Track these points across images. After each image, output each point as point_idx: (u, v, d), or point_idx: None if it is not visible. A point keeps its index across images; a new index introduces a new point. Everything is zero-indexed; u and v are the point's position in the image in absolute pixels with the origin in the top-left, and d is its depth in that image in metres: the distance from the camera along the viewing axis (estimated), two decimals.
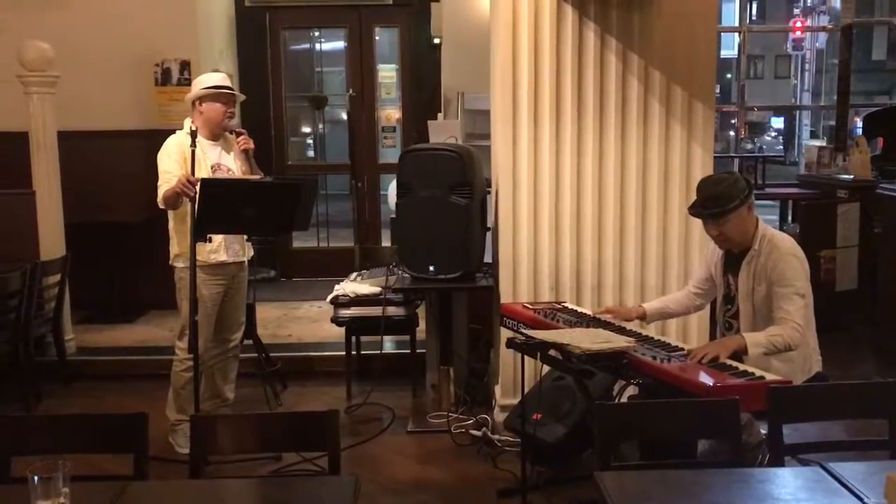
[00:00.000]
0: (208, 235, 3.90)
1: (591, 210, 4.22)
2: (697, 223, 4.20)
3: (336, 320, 4.94)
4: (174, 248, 4.12)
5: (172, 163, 3.98)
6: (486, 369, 4.95)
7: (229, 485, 2.44)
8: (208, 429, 2.40)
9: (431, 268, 4.29)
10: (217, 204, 3.75)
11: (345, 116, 7.70)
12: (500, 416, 4.27)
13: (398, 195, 4.41)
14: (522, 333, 3.38)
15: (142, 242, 6.05)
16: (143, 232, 5.99)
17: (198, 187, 3.73)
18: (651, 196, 4.23)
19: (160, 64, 6.47)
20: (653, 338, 3.32)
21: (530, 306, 3.78)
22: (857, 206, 6.27)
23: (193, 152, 3.83)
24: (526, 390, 3.61)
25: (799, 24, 23.53)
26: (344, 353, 5.00)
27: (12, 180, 5.63)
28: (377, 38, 7.94)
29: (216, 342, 4.26)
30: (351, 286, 4.94)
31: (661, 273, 4.27)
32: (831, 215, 6.16)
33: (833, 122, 8.91)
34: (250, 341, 4.82)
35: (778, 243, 3.24)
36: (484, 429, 4.27)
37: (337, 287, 4.99)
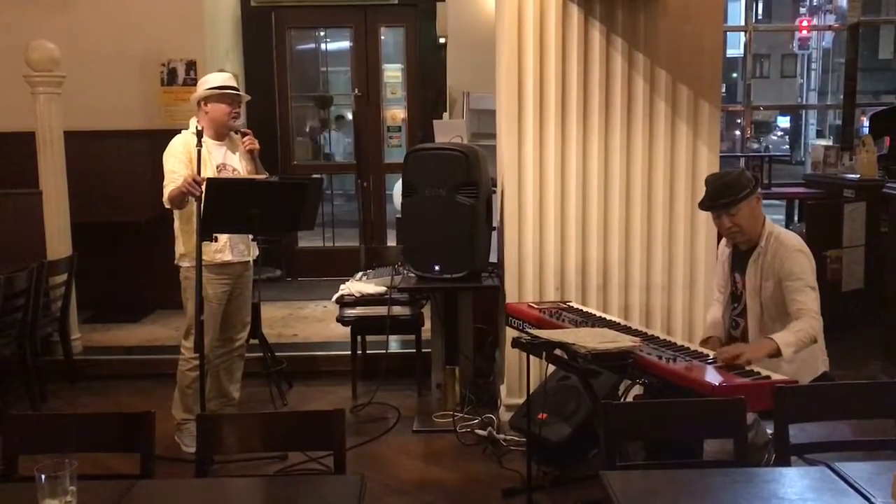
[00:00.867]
0: (214, 235, 3.91)
1: (597, 210, 4.21)
2: (703, 222, 4.21)
3: (341, 320, 4.95)
4: (179, 248, 4.13)
5: (178, 162, 3.99)
6: (492, 369, 4.95)
7: (235, 484, 2.45)
8: (214, 428, 2.40)
9: (437, 267, 4.29)
10: (222, 203, 3.76)
11: (350, 116, 7.71)
12: (505, 416, 4.27)
13: (404, 195, 4.41)
14: (528, 333, 3.38)
15: (148, 242, 6.07)
16: (149, 231, 6.02)
17: (203, 187, 3.74)
18: (657, 196, 4.22)
19: (166, 64, 6.49)
20: (658, 337, 3.31)
21: (536, 306, 3.78)
22: (863, 206, 6.25)
23: (199, 152, 3.84)
24: (531, 390, 3.61)
25: (805, 24, 23.47)
26: (349, 352, 5.01)
27: (19, 180, 5.65)
28: (383, 37, 7.94)
29: (222, 342, 4.27)
30: (356, 286, 4.95)
31: (667, 273, 4.26)
32: (837, 215, 6.14)
33: (839, 122, 8.88)
34: (256, 341, 4.83)
35: (785, 240, 3.24)
36: (489, 428, 4.27)
37: (342, 287, 4.99)
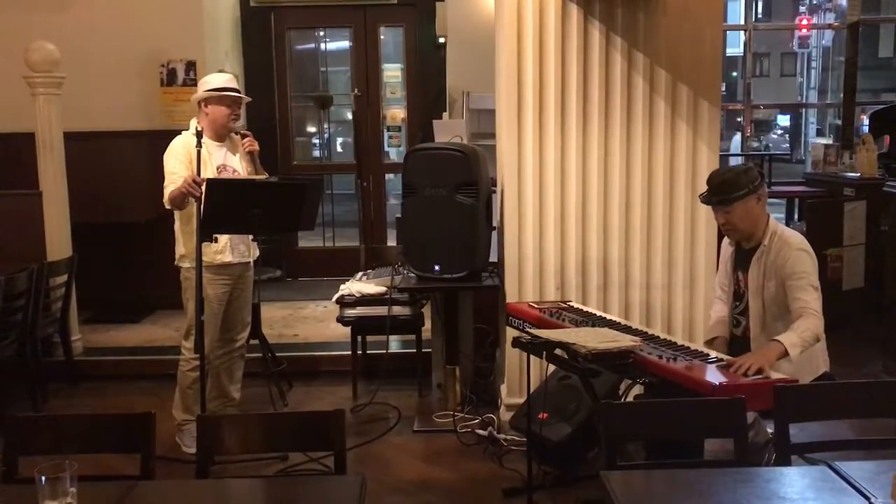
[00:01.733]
0: (214, 236, 3.92)
1: (597, 209, 4.21)
2: (703, 222, 4.21)
3: (342, 320, 4.95)
4: (180, 249, 4.13)
5: (178, 163, 3.99)
6: (492, 369, 4.95)
7: (235, 484, 2.45)
8: (214, 429, 2.40)
9: (437, 267, 4.29)
10: (222, 204, 3.76)
11: (350, 116, 7.71)
12: (505, 416, 4.27)
13: (403, 195, 4.41)
14: (528, 333, 3.38)
15: (148, 242, 6.08)
16: (149, 232, 6.02)
17: (203, 187, 3.74)
18: (657, 194, 4.22)
19: (166, 64, 6.49)
20: (659, 337, 3.31)
21: (536, 305, 3.78)
22: (863, 205, 6.25)
23: (199, 152, 3.84)
24: (532, 389, 3.61)
25: (805, 22, 23.46)
26: (350, 352, 5.01)
27: (19, 181, 5.66)
28: (382, 37, 7.94)
29: (222, 342, 4.27)
30: (357, 286, 4.95)
31: (667, 272, 4.26)
32: (838, 213, 6.14)
33: (839, 120, 8.88)
34: (256, 341, 4.83)
35: (788, 239, 3.24)
36: (490, 428, 4.27)
37: (343, 287, 4.99)
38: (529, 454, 3.50)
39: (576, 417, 3.68)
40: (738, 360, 2.90)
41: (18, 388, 4.81)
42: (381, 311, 4.79)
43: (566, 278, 4.25)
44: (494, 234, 4.55)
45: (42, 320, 4.99)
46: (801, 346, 3.05)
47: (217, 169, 4.08)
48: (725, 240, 3.51)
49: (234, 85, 4.15)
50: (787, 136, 26.31)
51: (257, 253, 4.34)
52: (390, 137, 7.97)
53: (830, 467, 2.11)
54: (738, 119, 9.12)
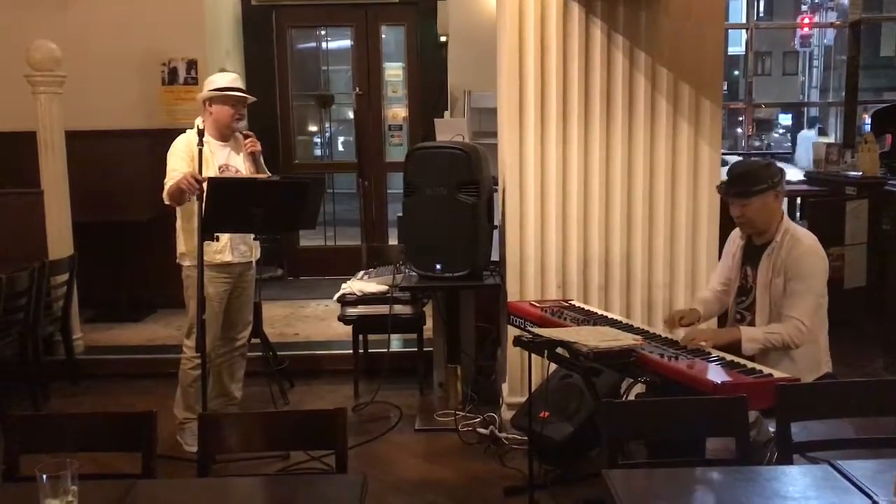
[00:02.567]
0: (216, 235, 3.91)
1: (599, 208, 4.21)
2: (705, 220, 4.21)
3: (343, 319, 4.95)
4: (180, 247, 4.13)
5: (180, 161, 3.99)
6: (494, 367, 4.95)
7: (237, 483, 2.44)
8: (216, 427, 2.40)
9: (438, 266, 4.29)
10: (224, 203, 3.76)
11: (351, 115, 7.71)
12: (507, 415, 4.26)
13: (405, 194, 4.41)
14: (530, 331, 3.38)
15: (149, 241, 6.07)
16: (150, 231, 6.01)
17: (205, 186, 3.74)
18: (658, 193, 4.21)
19: (167, 63, 6.49)
20: (660, 335, 3.31)
21: (537, 304, 3.78)
22: (865, 203, 6.24)
23: (201, 151, 3.84)
24: (533, 388, 3.60)
25: (807, 21, 23.44)
26: (351, 351, 5.01)
27: (20, 180, 5.66)
28: (384, 36, 7.94)
29: (223, 341, 4.27)
30: (358, 285, 4.95)
31: (669, 270, 4.25)
32: (840, 212, 6.13)
33: (834, 119, 8.87)
34: (258, 340, 4.83)
35: (801, 238, 3.23)
36: (491, 427, 4.27)
37: (344, 285, 4.99)
38: (531, 453, 3.49)
39: (577, 416, 3.68)
40: (689, 334, 3.13)
41: (19, 386, 4.82)
42: (382, 309, 4.78)
43: (567, 277, 4.25)
44: (496, 233, 4.54)
45: (43, 319, 4.99)
46: (760, 343, 3.10)
47: (219, 168, 4.08)
48: (734, 232, 3.48)
49: (238, 85, 4.15)
50: (788, 134, 26.29)
51: (258, 253, 4.34)
52: (391, 136, 7.97)
53: (832, 466, 2.11)
54: (740, 118, 9.12)
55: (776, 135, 26.39)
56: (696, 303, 3.59)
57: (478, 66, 5.73)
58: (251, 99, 4.32)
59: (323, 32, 8.29)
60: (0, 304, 4.43)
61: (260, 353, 4.80)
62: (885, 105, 9.09)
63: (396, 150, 7.91)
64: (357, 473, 2.24)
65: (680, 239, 4.24)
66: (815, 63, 25.83)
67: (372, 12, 7.72)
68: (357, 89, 7.71)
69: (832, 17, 22.30)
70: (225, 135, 4.13)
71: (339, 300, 4.96)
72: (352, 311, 4.90)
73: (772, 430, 2.86)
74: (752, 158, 3.57)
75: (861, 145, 7.06)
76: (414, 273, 4.44)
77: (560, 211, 4.21)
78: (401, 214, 4.66)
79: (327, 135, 8.59)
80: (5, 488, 2.20)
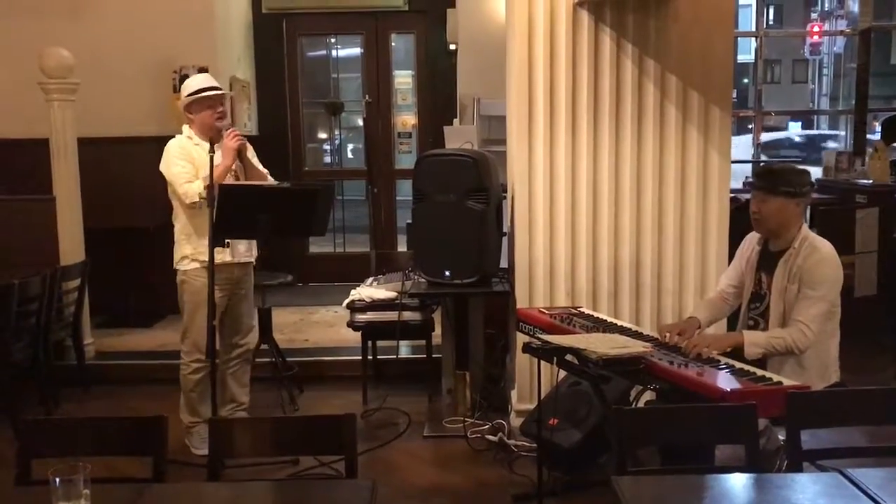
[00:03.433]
0: (227, 241, 3.94)
1: (608, 215, 4.21)
2: (714, 228, 4.20)
3: (352, 325, 4.95)
4: (182, 250, 4.13)
5: (184, 162, 4.00)
6: (503, 374, 4.94)
7: (246, 488, 2.45)
8: (226, 432, 2.41)
9: (447, 273, 4.29)
10: (235, 210, 3.78)
11: (361, 122, 7.73)
12: (516, 422, 4.26)
13: (414, 201, 4.42)
14: (539, 338, 3.38)
15: (160, 248, 6.07)
16: (160, 237, 6.02)
17: (216, 192, 3.75)
18: (667, 201, 4.21)
19: (178, 71, 6.52)
20: (669, 343, 3.30)
21: (546, 311, 3.78)
22: (875, 211, 6.22)
23: (212, 158, 3.84)
24: (542, 395, 3.61)
25: (816, 29, 23.38)
26: (360, 357, 5.01)
27: (33, 186, 5.69)
28: (393, 44, 7.97)
29: (226, 347, 4.25)
30: (367, 291, 4.96)
31: (678, 278, 4.25)
32: (850, 220, 6.11)
33: (842, 128, 8.84)
34: (266, 346, 4.84)
35: (819, 246, 3.22)
36: (500, 434, 4.26)
37: (353, 292, 5.00)
38: (540, 460, 3.49)
39: (586, 423, 3.68)
40: (692, 340, 3.13)
41: (31, 391, 4.84)
42: (391, 316, 4.79)
43: (577, 284, 4.25)
44: (505, 240, 4.55)
45: (55, 324, 5.02)
46: (763, 347, 3.10)
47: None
48: (751, 235, 3.46)
49: (212, 83, 4.09)
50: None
51: (256, 253, 4.30)
52: (401, 144, 7.99)
53: (842, 474, 2.10)
54: (750, 126, 9.10)
55: None
56: (700, 308, 3.60)
57: (487, 73, 5.73)
58: (228, 93, 4.27)
59: (333, 40, 8.33)
60: (12, 309, 4.46)
61: (269, 359, 4.80)
62: (895, 113, 9.05)
63: (406, 158, 7.92)
64: (366, 479, 2.24)
65: (689, 246, 4.24)
66: (825, 71, 25.74)
67: (382, 20, 7.75)
68: (367, 97, 7.72)
69: (842, 25, 22.22)
70: (213, 137, 4.10)
71: (348, 306, 4.97)
72: (361, 317, 4.91)
73: (781, 437, 2.85)
74: (791, 164, 3.53)
75: (871, 153, 7.03)
76: (423, 279, 4.45)
77: (569, 218, 4.21)
78: (410, 221, 4.67)
79: (337, 142, 8.61)
80: (18, 492, 2.22)
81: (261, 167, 4.24)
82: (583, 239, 4.23)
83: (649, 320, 4.23)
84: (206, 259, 3.87)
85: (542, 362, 3.34)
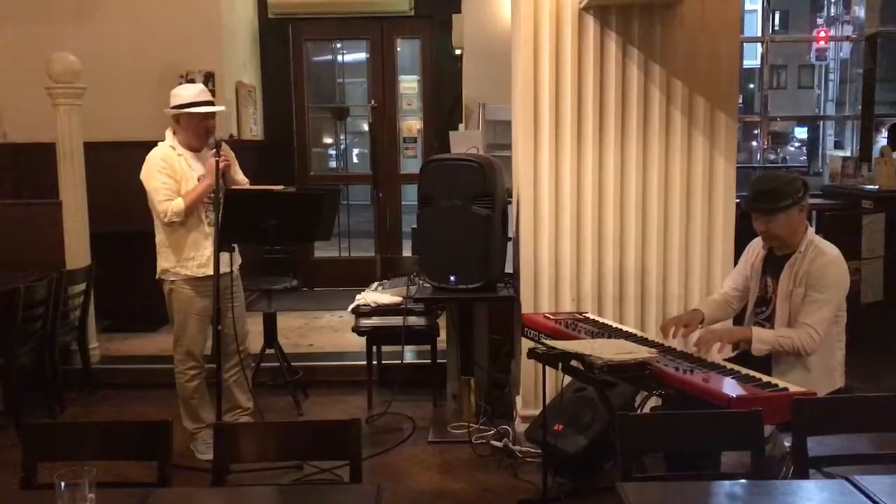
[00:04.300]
0: (232, 244, 3.95)
1: (613, 220, 4.21)
2: (720, 234, 4.19)
3: (357, 330, 4.95)
4: (162, 263, 4.13)
5: (166, 178, 4.00)
6: (508, 380, 4.94)
7: (251, 493, 2.45)
8: (230, 437, 2.41)
9: (452, 278, 4.29)
10: (240, 214, 3.78)
11: (366, 127, 7.75)
12: (521, 427, 4.25)
13: (419, 205, 4.42)
14: (544, 344, 3.37)
15: None
16: None
17: (221, 197, 3.76)
18: (673, 206, 4.21)
19: (185, 75, 6.54)
20: (675, 348, 3.30)
21: (552, 317, 3.77)
22: (882, 217, 6.20)
23: (217, 162, 3.85)
24: (547, 401, 3.60)
25: (822, 34, 23.34)
26: (365, 362, 5.01)
27: (39, 190, 5.72)
28: (399, 49, 7.99)
29: (227, 356, 4.17)
30: (372, 296, 4.95)
31: (684, 284, 4.24)
32: (856, 226, 6.10)
33: (849, 132, 8.83)
34: (272, 350, 4.84)
35: (825, 250, 3.23)
36: (505, 439, 4.26)
37: (358, 297, 5.00)
38: (545, 466, 3.49)
39: (591, 429, 3.67)
40: (702, 334, 3.21)
41: (37, 395, 4.85)
42: (396, 321, 4.79)
43: (582, 289, 4.25)
44: (510, 245, 4.55)
45: (60, 328, 5.03)
46: (769, 345, 3.14)
47: (198, 180, 4.08)
48: (756, 241, 3.47)
49: (205, 97, 4.10)
50: (804, 148, 26.13)
51: (239, 260, 4.27)
52: (406, 148, 8.00)
53: (849, 481, 2.09)
54: (756, 131, 9.10)
55: (791, 148, 26.24)
56: (704, 304, 3.62)
57: (492, 78, 5.74)
58: (220, 109, 4.28)
59: (339, 45, 8.35)
60: (18, 313, 4.47)
61: (274, 364, 4.80)
62: None
63: (411, 163, 7.94)
64: (371, 484, 2.23)
65: (695, 252, 4.23)
66: (831, 76, 25.69)
67: (387, 25, 7.77)
68: (372, 102, 7.75)
69: (848, 30, 22.15)
70: (198, 147, 4.10)
71: (353, 311, 4.97)
72: (366, 322, 4.91)
73: (787, 444, 2.84)
74: (776, 172, 3.55)
75: (877, 159, 7.02)
76: (428, 284, 4.44)
77: (574, 223, 4.21)
78: (415, 226, 4.67)
79: (342, 147, 8.63)
80: (23, 495, 2.22)
81: (241, 176, 4.22)
82: (588, 244, 4.22)
83: (655, 326, 4.21)
84: (190, 272, 3.99)
85: (548, 368, 3.33)
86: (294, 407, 4.77)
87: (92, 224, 5.60)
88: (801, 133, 27.41)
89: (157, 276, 4.18)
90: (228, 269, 4.16)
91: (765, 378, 2.87)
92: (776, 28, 24.66)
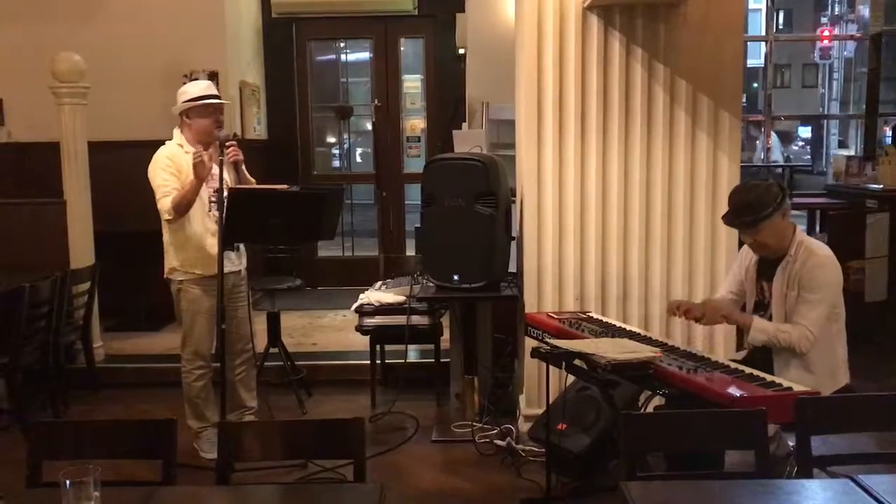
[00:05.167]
0: (236, 245, 3.95)
1: (617, 219, 4.21)
2: (723, 233, 4.19)
3: (361, 329, 4.96)
4: (170, 262, 4.14)
5: (169, 175, 4.00)
6: (511, 379, 4.94)
7: (255, 491, 2.45)
8: (234, 436, 2.42)
9: (456, 277, 4.30)
10: (244, 213, 3.79)
11: (370, 127, 7.75)
12: (524, 426, 4.26)
13: (423, 205, 4.42)
14: (547, 343, 3.38)
15: None
16: None
17: (225, 197, 3.76)
18: (677, 206, 4.21)
19: (189, 75, 6.54)
20: (679, 348, 3.30)
21: (555, 316, 3.78)
22: (886, 216, 6.19)
23: (222, 162, 3.86)
24: (551, 400, 3.60)
25: (826, 33, 23.30)
26: (368, 361, 5.02)
27: (44, 190, 5.72)
28: (402, 48, 7.99)
29: (231, 353, 4.19)
30: (376, 295, 4.96)
31: (687, 283, 4.24)
32: (860, 225, 6.09)
33: (854, 131, 8.81)
34: (276, 349, 4.85)
35: (815, 250, 3.22)
36: (508, 439, 4.26)
37: (362, 296, 5.01)
38: (548, 465, 3.49)
39: (595, 428, 3.67)
40: (709, 309, 3.36)
41: (41, 394, 4.87)
42: (399, 320, 4.79)
43: (585, 289, 4.24)
44: (513, 245, 4.55)
45: (65, 328, 5.04)
46: (768, 336, 3.19)
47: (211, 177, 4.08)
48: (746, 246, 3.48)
49: (213, 92, 4.11)
50: (808, 147, 26.08)
51: (245, 261, 4.30)
52: (410, 148, 8.00)
53: (853, 480, 2.09)
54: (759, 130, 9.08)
55: (795, 147, 26.19)
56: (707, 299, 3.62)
57: (496, 78, 5.73)
58: (227, 103, 4.29)
59: (342, 45, 8.35)
60: (23, 312, 4.48)
61: (278, 363, 4.81)
62: None
63: (414, 162, 7.94)
64: (374, 483, 2.24)
65: (699, 251, 4.23)
66: (835, 75, 25.63)
67: (391, 25, 7.77)
68: (376, 101, 7.75)
69: (852, 29, 22.10)
70: (206, 143, 4.10)
71: (356, 310, 4.97)
72: (369, 321, 4.91)
73: (791, 443, 2.84)
74: (751, 181, 3.54)
75: (882, 158, 7.00)
76: (431, 284, 4.45)
77: (578, 222, 4.21)
78: (418, 225, 4.67)
79: (346, 146, 8.63)
80: (28, 494, 2.23)
81: (247, 175, 4.22)
82: (591, 243, 4.22)
83: (658, 325, 4.22)
84: (197, 271, 3.98)
85: (551, 367, 3.33)
86: (298, 406, 4.78)
87: (96, 223, 5.61)
88: (805, 132, 27.35)
89: (164, 276, 4.18)
90: (236, 269, 4.18)
91: (769, 378, 2.87)
92: (780, 27, 24.61)
